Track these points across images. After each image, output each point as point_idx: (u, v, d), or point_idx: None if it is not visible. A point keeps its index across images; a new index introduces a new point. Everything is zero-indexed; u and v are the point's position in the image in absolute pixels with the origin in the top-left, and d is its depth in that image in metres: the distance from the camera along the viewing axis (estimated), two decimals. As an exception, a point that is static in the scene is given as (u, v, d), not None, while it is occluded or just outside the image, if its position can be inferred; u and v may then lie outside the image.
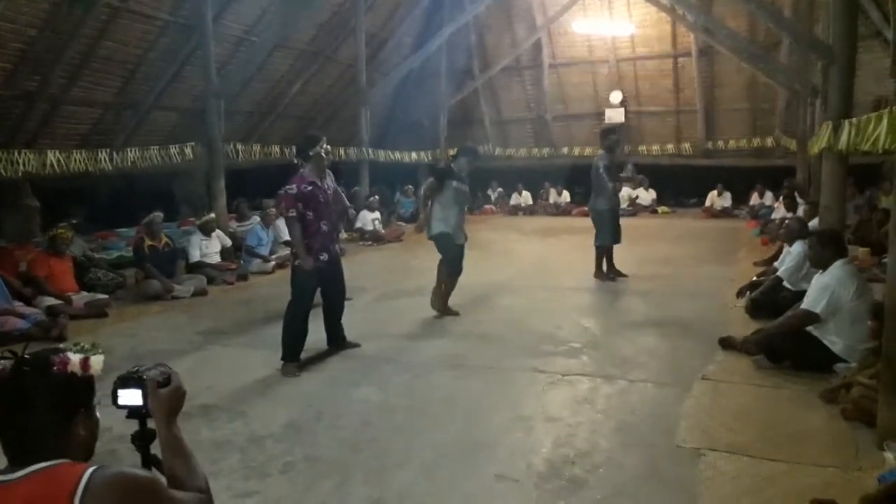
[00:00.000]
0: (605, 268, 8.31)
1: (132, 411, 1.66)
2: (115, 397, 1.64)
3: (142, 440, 1.70)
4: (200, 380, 4.93)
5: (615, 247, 8.34)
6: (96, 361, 1.54)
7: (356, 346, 5.62)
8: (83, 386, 1.52)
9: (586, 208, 16.18)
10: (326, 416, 4.23)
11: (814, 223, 7.10)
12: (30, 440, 1.44)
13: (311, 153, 5.22)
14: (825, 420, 3.99)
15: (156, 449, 1.70)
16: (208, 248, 8.86)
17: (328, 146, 5.37)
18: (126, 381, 1.64)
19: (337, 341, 5.58)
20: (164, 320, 6.90)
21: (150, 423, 1.68)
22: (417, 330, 6.14)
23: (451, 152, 7.25)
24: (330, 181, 5.56)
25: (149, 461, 1.70)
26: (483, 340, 5.92)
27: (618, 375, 4.90)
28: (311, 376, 5.03)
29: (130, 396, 1.64)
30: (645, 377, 4.86)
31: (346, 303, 5.77)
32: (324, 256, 5.22)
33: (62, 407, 1.47)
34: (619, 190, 9.05)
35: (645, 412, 4.22)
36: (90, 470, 1.39)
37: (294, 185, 5.11)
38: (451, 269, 6.61)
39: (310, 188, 5.15)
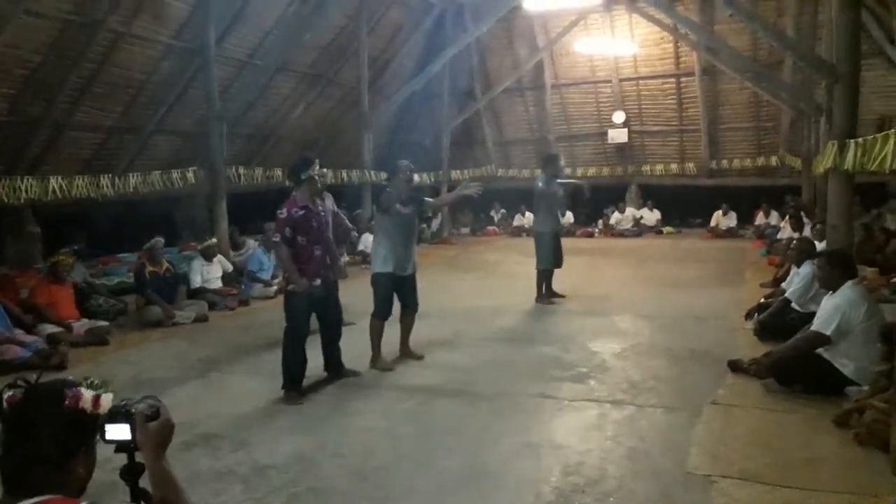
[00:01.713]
0: (543, 290, 8.34)
1: (120, 446, 1.63)
2: (102, 432, 1.60)
3: (130, 474, 1.66)
4: (202, 408, 4.88)
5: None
6: (106, 400, 1.53)
7: (356, 373, 5.50)
8: (90, 424, 1.51)
9: (589, 229, 16.39)
10: (330, 445, 4.16)
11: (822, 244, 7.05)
12: (29, 471, 1.42)
13: (303, 176, 5.13)
14: (838, 445, 3.91)
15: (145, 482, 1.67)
16: (210, 273, 8.81)
17: (323, 169, 5.30)
18: (114, 416, 1.60)
19: (335, 368, 5.47)
20: (166, 347, 6.84)
21: (139, 457, 1.65)
22: (420, 352, 6.04)
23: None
24: (329, 203, 5.49)
25: (138, 495, 1.67)
26: (488, 365, 5.84)
27: (626, 401, 4.82)
28: (313, 404, 4.96)
29: (119, 431, 1.60)
30: (654, 402, 4.79)
31: (348, 327, 5.69)
32: (317, 282, 5.11)
33: (66, 442, 1.46)
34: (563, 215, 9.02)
35: (655, 438, 4.15)
36: None
37: (284, 210, 5.03)
38: (406, 306, 5.90)
39: (301, 212, 5.05)
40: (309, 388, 5.19)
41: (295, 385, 5.06)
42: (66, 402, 1.46)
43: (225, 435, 4.36)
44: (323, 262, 5.21)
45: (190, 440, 4.27)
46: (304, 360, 5.14)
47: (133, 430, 1.60)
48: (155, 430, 1.63)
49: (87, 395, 1.48)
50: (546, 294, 8.34)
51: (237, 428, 4.49)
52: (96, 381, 1.54)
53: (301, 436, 4.32)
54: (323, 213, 5.37)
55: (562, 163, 8.64)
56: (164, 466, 1.63)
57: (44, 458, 1.42)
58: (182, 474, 3.80)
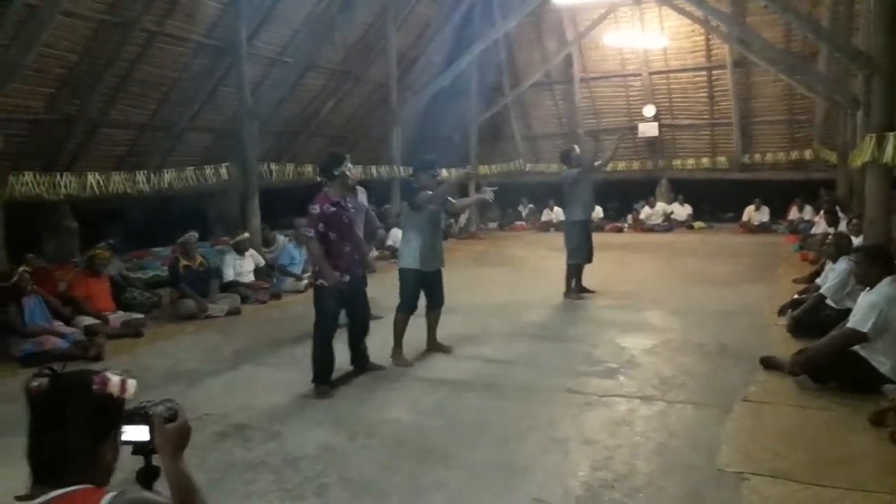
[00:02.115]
0: (573, 285, 8.29)
1: (137, 447, 1.64)
2: (120, 433, 1.60)
3: (146, 476, 1.67)
4: (235, 399, 4.96)
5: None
6: (132, 385, 1.54)
7: (381, 368, 5.53)
8: (117, 409, 1.52)
9: (619, 224, 16.26)
10: (360, 437, 4.20)
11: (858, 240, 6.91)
12: (59, 460, 1.43)
13: (335, 172, 5.16)
14: (873, 444, 3.84)
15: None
16: (242, 267, 8.92)
17: (352, 165, 5.30)
18: (132, 417, 1.61)
19: (360, 362, 5.50)
20: (199, 339, 6.96)
21: (155, 460, 1.66)
22: (449, 346, 6.06)
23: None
24: (363, 197, 5.51)
25: None
26: (516, 360, 5.85)
27: (656, 396, 4.79)
28: (342, 396, 5.01)
29: (136, 432, 1.61)
30: (684, 398, 4.75)
31: (376, 321, 5.73)
32: (346, 278, 5.14)
33: (96, 428, 1.47)
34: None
35: (685, 435, 4.12)
36: (108, 497, 1.38)
37: (317, 206, 5.07)
38: (432, 301, 5.91)
39: (333, 209, 5.09)
40: (338, 380, 5.24)
41: (324, 379, 5.11)
42: (95, 388, 1.46)
43: (257, 426, 4.43)
44: (352, 257, 5.25)
45: (223, 431, 4.35)
46: (333, 355, 5.19)
47: (152, 432, 1.61)
48: (173, 431, 1.63)
49: (114, 379, 1.49)
50: (576, 289, 8.30)
51: (269, 419, 4.56)
52: (119, 370, 1.54)
53: (331, 427, 4.37)
54: (353, 210, 5.40)
55: (577, 151, 8.52)
56: (182, 468, 1.62)
57: (74, 446, 1.43)
58: (215, 464, 3.91)
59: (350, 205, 5.34)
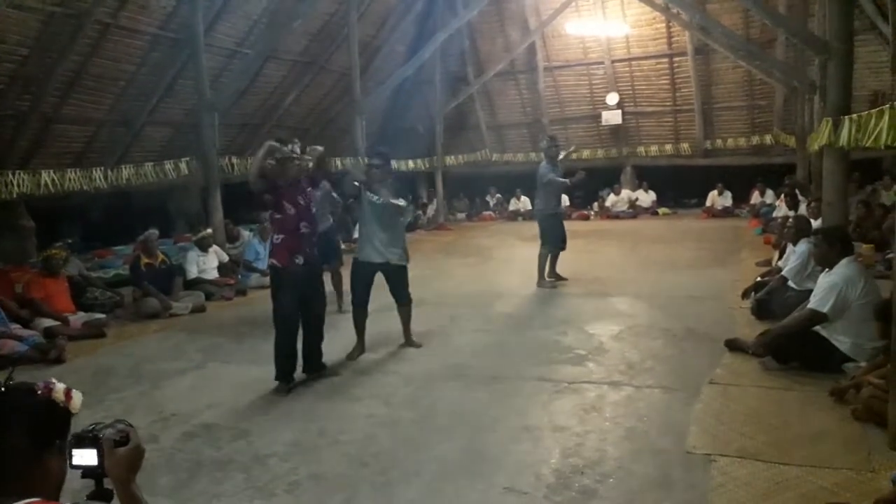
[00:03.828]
0: (546, 271, 8.36)
1: (87, 471, 1.59)
2: (70, 456, 1.56)
3: (98, 500, 1.63)
4: (201, 398, 4.89)
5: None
6: (77, 396, 1.51)
7: (335, 374, 5.26)
8: (62, 418, 1.50)
9: (585, 212, 16.37)
10: (330, 432, 4.17)
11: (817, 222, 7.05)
12: (4, 465, 1.40)
13: (277, 156, 4.94)
14: (836, 421, 3.93)
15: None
16: (206, 263, 8.78)
17: (294, 147, 5.03)
18: (81, 441, 1.57)
19: (313, 366, 5.20)
20: (164, 338, 6.83)
21: (107, 483, 1.62)
22: (419, 340, 6.05)
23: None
24: (326, 189, 5.34)
25: None
26: (486, 349, 5.86)
27: (624, 382, 4.84)
28: (312, 391, 4.96)
29: (85, 456, 1.57)
30: (652, 383, 4.80)
31: (343, 314, 5.64)
32: (299, 260, 4.94)
33: (39, 434, 1.44)
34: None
35: (653, 418, 4.16)
36: None
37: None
38: (394, 298, 5.87)
39: (290, 185, 4.96)
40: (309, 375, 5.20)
41: (284, 377, 4.95)
42: (39, 392, 1.46)
43: (225, 424, 4.37)
44: (309, 241, 5.05)
45: (190, 431, 4.28)
46: (292, 351, 5.00)
47: (101, 456, 1.57)
48: (124, 455, 1.58)
49: (59, 386, 1.48)
50: (550, 275, 8.37)
51: (237, 417, 4.50)
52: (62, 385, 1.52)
53: (301, 423, 4.33)
54: (309, 194, 5.16)
55: (558, 146, 8.57)
56: (134, 492, 1.58)
57: (16, 450, 1.40)
58: (183, 464, 3.84)
59: (308, 191, 5.12)
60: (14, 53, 7.84)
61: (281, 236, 4.99)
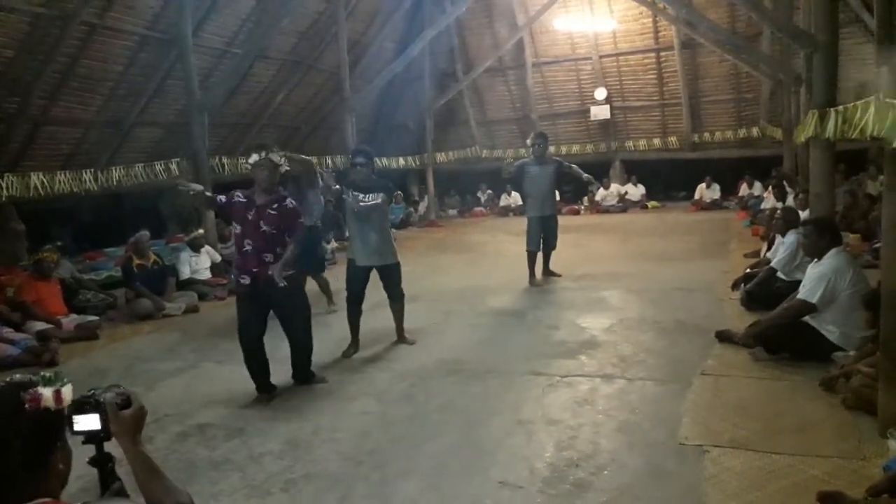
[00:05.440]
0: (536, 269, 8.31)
1: (89, 436, 1.62)
2: (70, 423, 1.57)
3: (100, 463, 1.67)
4: (195, 398, 4.89)
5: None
6: (67, 392, 1.47)
7: (322, 381, 5.08)
8: (57, 420, 1.47)
9: (575, 206, 16.42)
10: (325, 430, 4.18)
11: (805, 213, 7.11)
12: (7, 485, 1.37)
13: (250, 161, 4.73)
14: (826, 410, 3.97)
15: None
16: (198, 264, 8.77)
17: (266, 155, 4.67)
18: (82, 406, 1.58)
19: (299, 379, 5.05)
20: (157, 339, 6.82)
21: (107, 447, 1.66)
22: (412, 337, 6.07)
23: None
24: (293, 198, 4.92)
25: (108, 482, 1.68)
26: (479, 345, 5.89)
27: (617, 375, 4.87)
28: (306, 390, 4.97)
29: (88, 421, 1.59)
30: (644, 375, 4.84)
31: (335, 314, 5.63)
32: (245, 280, 4.71)
33: (39, 445, 1.41)
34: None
35: (646, 411, 4.20)
36: None
37: (238, 190, 4.84)
38: (387, 294, 5.90)
39: (243, 201, 4.72)
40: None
41: (261, 389, 4.85)
42: (27, 407, 1.39)
43: (219, 424, 4.37)
44: (256, 259, 4.66)
45: (185, 431, 4.29)
46: (257, 361, 4.84)
47: (104, 420, 1.59)
48: (130, 416, 1.63)
49: (46, 393, 1.41)
50: (543, 272, 8.37)
51: (231, 417, 4.51)
52: (49, 375, 1.46)
53: (296, 422, 4.34)
54: (273, 213, 4.68)
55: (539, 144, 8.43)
56: (143, 452, 1.62)
57: (19, 467, 1.37)
58: (179, 465, 3.85)
59: (275, 204, 4.70)
60: (0, 56, 7.80)
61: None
